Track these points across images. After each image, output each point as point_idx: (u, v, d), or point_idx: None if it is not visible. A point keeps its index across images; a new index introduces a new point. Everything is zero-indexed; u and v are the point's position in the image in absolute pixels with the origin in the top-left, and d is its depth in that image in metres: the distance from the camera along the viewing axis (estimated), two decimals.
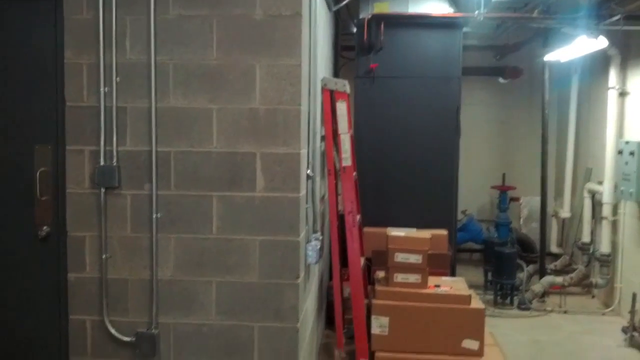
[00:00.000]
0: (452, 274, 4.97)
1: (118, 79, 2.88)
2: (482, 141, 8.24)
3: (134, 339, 2.94)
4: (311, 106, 3.23)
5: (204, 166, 2.88)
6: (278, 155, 2.84)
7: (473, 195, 8.16)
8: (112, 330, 2.95)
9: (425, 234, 4.08)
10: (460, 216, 7.73)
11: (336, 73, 5.28)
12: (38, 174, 2.95)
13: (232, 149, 2.86)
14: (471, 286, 6.74)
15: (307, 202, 3.11)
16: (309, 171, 3.12)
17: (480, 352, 3.82)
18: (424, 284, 3.93)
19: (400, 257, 3.93)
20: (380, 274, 4.11)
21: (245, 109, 2.84)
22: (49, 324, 3.02)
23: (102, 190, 2.91)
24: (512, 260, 6.09)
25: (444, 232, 4.78)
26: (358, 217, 4.25)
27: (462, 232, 7.62)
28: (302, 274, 2.97)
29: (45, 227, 2.98)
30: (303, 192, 2.97)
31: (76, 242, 2.97)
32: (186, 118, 2.87)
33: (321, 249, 3.25)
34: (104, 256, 2.94)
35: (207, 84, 2.85)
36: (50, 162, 2.97)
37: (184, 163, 2.89)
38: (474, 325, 3.83)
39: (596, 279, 6.06)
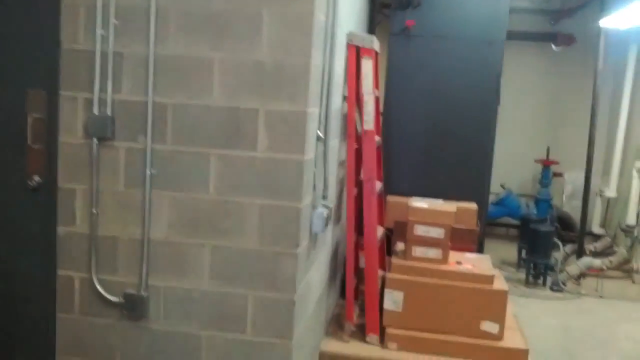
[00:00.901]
0: (480, 250, 4.67)
1: (116, 21, 2.65)
2: (528, 111, 7.81)
3: (122, 299, 2.78)
4: (328, 61, 2.94)
5: (202, 121, 2.64)
6: (283, 112, 2.58)
7: (514, 168, 7.78)
8: (100, 289, 2.79)
9: (451, 206, 3.80)
10: (498, 190, 7.39)
11: (371, 30, 4.94)
12: (30, 120, 2.77)
13: (234, 104, 2.61)
14: (504, 263, 6.49)
15: (315, 166, 2.86)
16: (319, 132, 2.85)
17: (500, 336, 3.58)
18: (444, 260, 3.67)
19: (420, 230, 3.67)
20: (400, 246, 3.86)
21: (249, 59, 2.57)
22: (38, 278, 2.88)
23: (95, 141, 2.72)
24: (548, 239, 5.75)
25: (473, 205, 4.48)
26: (379, 184, 3.99)
27: (499, 206, 7.31)
28: (303, 243, 2.73)
29: (36, 177, 2.81)
30: (310, 155, 2.71)
31: (67, 194, 2.79)
32: (186, 67, 2.63)
33: (328, 217, 3.01)
34: (94, 211, 2.76)
35: (210, 30, 2.59)
36: (43, 109, 2.78)
37: (182, 116, 2.66)
38: (495, 307, 3.57)
39: (638, 264, 5.66)
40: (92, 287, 2.80)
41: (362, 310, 3.84)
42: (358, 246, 3.93)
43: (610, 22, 5.63)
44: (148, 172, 2.69)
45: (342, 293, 4.03)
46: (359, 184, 3.76)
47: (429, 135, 4.69)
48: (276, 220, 2.64)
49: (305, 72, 2.54)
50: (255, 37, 2.56)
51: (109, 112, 2.69)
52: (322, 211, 2.91)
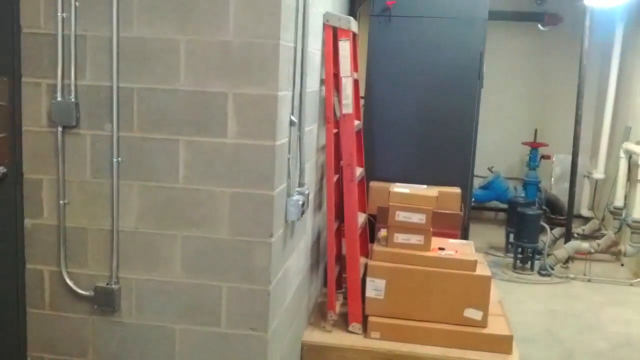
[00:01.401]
0: (465, 236, 4.60)
1: (77, 3, 2.54)
2: (515, 93, 7.73)
3: (92, 293, 2.69)
4: (301, 42, 2.84)
5: (169, 106, 2.54)
6: (252, 96, 2.48)
7: (502, 151, 7.71)
8: (70, 283, 2.70)
9: (432, 191, 3.72)
10: (486, 173, 7.33)
11: (353, 11, 4.83)
12: None
13: (202, 88, 2.51)
14: (492, 247, 6.43)
15: (289, 152, 2.76)
16: (292, 117, 2.75)
17: (483, 323, 3.51)
18: (426, 246, 3.59)
19: (401, 216, 3.59)
20: (384, 232, 3.79)
21: (216, 41, 2.47)
22: (6, 272, 2.78)
23: (60, 129, 2.61)
24: (535, 222, 5.69)
25: (456, 190, 4.40)
26: (360, 170, 3.90)
27: (487, 190, 7.25)
28: (277, 232, 2.65)
29: (0, 167, 2.70)
30: (282, 140, 2.62)
31: (33, 185, 2.69)
32: (151, 50, 2.53)
33: (305, 205, 2.92)
34: (61, 202, 2.66)
35: (175, 11, 2.48)
36: (5, 96, 2.67)
37: (148, 102, 2.56)
38: (479, 294, 3.50)
39: (625, 246, 5.62)
40: (62, 280, 2.72)
41: (347, 299, 3.76)
42: (340, 233, 3.85)
43: (596, 0, 5.53)
44: (115, 160, 2.59)
45: (326, 282, 3.95)
46: (339, 170, 3.68)
47: (412, 119, 4.60)
48: (248, 209, 2.55)
49: (274, 53, 2.44)
50: (222, 18, 2.45)
51: (73, 98, 2.59)
52: (297, 198, 2.82)
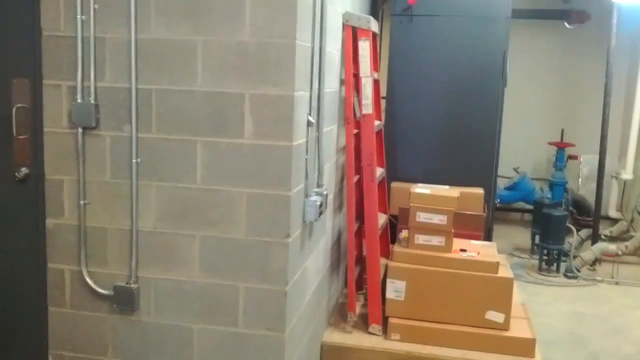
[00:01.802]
0: (488, 237, 4.55)
1: (96, 5, 2.57)
2: (541, 93, 7.62)
3: (112, 292, 2.72)
4: (319, 42, 2.83)
5: (187, 107, 2.56)
6: (268, 97, 2.48)
7: (528, 151, 7.62)
8: (90, 282, 2.73)
9: (454, 192, 3.68)
10: (512, 174, 7.23)
11: (374, 11, 4.80)
12: (14, 110, 2.70)
13: (218, 89, 2.52)
14: (517, 249, 6.34)
15: (307, 153, 2.75)
16: (310, 117, 2.74)
17: (506, 326, 3.46)
18: (447, 247, 3.55)
19: (422, 217, 3.56)
20: (405, 233, 3.76)
21: (233, 41, 2.47)
22: (28, 272, 2.82)
23: (80, 130, 2.65)
24: (561, 224, 5.59)
25: (479, 190, 4.35)
26: (380, 170, 3.88)
27: (513, 190, 7.16)
28: (295, 233, 2.64)
29: (23, 168, 2.75)
30: (299, 140, 2.61)
31: (54, 185, 2.73)
32: (169, 52, 2.54)
33: (323, 205, 2.90)
34: (82, 202, 2.69)
35: (192, 12, 2.50)
36: (27, 98, 2.71)
37: (166, 103, 2.57)
38: (500, 296, 3.45)
39: None
40: (82, 280, 2.75)
41: (367, 300, 3.74)
42: (361, 234, 3.83)
43: None
44: (134, 161, 2.61)
45: (347, 282, 3.94)
46: (360, 171, 3.66)
47: (434, 119, 4.56)
48: (266, 210, 2.55)
49: (290, 53, 2.44)
50: (238, 18, 2.46)
51: (92, 99, 2.62)
52: (315, 199, 2.81)
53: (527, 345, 3.39)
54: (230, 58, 2.49)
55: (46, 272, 2.80)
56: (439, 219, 3.54)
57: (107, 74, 2.61)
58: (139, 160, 2.62)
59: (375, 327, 3.59)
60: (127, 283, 2.71)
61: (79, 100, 2.62)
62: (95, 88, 2.62)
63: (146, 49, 2.56)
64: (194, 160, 2.59)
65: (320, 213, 2.88)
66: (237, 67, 2.49)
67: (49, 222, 2.77)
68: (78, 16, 2.57)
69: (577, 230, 6.04)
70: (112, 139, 2.65)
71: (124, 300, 2.72)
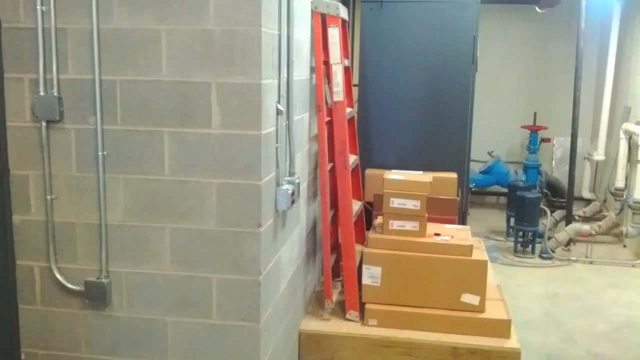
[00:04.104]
0: (463, 220, 4.57)
1: None
2: (513, 77, 7.68)
3: (83, 287, 2.68)
4: (286, 30, 2.80)
5: (153, 98, 2.51)
6: (235, 85, 2.45)
7: (502, 135, 7.68)
8: (60, 278, 2.69)
9: (427, 177, 3.68)
10: (487, 158, 7.28)
11: None
12: None
13: (184, 78, 2.48)
14: (493, 232, 6.40)
15: (277, 141, 2.73)
16: (279, 105, 2.72)
17: (481, 308, 3.48)
18: (422, 232, 3.56)
19: (396, 203, 3.56)
20: (380, 219, 3.76)
21: (197, 30, 2.43)
22: None
23: (44, 123, 2.59)
24: (535, 206, 5.65)
25: (452, 175, 4.37)
26: (353, 157, 3.87)
27: (488, 174, 7.21)
28: (267, 222, 2.62)
29: None
30: (268, 129, 2.58)
31: (19, 181, 2.67)
32: (132, 42, 2.49)
33: (295, 194, 2.88)
34: (48, 197, 2.64)
35: (155, 0, 2.45)
36: None
37: (131, 94, 2.53)
38: (475, 279, 3.47)
39: (627, 227, 5.57)
40: (52, 276, 2.70)
41: (344, 287, 3.74)
42: (336, 222, 3.83)
43: None
44: (100, 154, 2.57)
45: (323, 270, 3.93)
46: (333, 158, 3.64)
47: (406, 105, 4.57)
48: (236, 199, 2.53)
49: (256, 41, 2.40)
50: (203, 6, 2.42)
51: (55, 92, 2.56)
52: (287, 188, 2.79)
53: (502, 327, 3.42)
54: (195, 47, 2.45)
55: (15, 269, 2.75)
56: (412, 204, 3.54)
57: (70, 66, 2.55)
58: (105, 152, 2.57)
59: (353, 314, 3.59)
60: (97, 278, 2.67)
61: (42, 93, 2.56)
62: (58, 80, 2.56)
63: (109, 39, 2.51)
64: (161, 151, 2.55)
65: (293, 202, 2.86)
66: (202, 56, 2.45)
67: (16, 218, 2.71)
68: (38, 7, 2.50)
69: (551, 212, 6.12)
70: (77, 131, 2.60)
71: (96, 295, 2.68)
